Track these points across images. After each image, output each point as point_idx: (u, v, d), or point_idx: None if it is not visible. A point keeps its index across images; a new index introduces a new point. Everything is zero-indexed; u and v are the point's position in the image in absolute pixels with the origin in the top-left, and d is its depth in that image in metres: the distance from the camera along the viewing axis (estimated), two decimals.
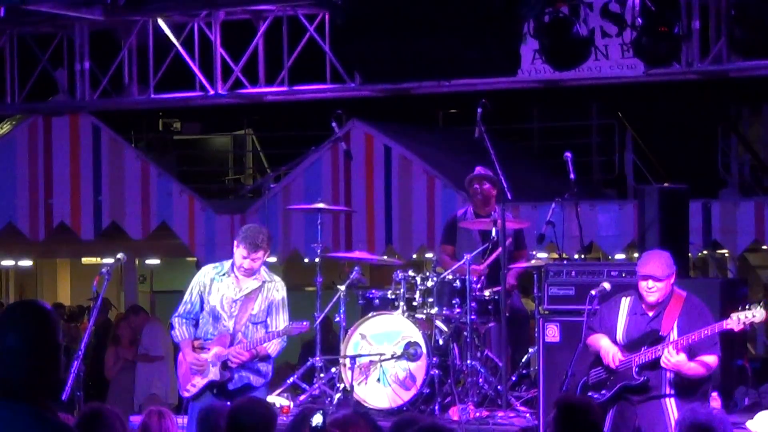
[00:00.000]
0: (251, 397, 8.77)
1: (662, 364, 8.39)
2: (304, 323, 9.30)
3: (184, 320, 9.26)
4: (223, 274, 9.22)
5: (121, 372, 14.94)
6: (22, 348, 4.11)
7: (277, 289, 9.28)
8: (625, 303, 8.73)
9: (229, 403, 8.85)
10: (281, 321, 9.27)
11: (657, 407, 8.54)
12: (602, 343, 8.71)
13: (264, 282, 9.24)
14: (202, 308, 9.26)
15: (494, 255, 11.19)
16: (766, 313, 8.29)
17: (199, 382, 9.17)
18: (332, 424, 5.94)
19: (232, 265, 9.21)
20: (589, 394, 8.63)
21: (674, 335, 8.48)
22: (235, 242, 9.16)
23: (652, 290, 8.54)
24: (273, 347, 9.25)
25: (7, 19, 13.76)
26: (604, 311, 8.85)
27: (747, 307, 8.33)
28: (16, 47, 14.44)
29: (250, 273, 9.17)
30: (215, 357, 9.13)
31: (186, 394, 9.23)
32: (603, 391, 8.64)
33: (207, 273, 9.27)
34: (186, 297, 9.30)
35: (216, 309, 9.18)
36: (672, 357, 8.35)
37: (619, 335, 8.69)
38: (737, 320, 8.30)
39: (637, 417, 8.64)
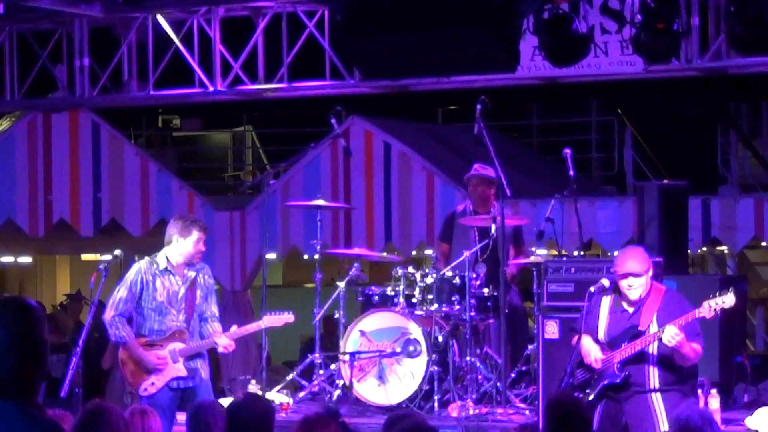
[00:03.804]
0: (250, 393, 8.83)
1: (668, 342, 8.32)
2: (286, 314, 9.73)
3: (123, 319, 9.23)
4: (163, 270, 9.28)
5: (115, 364, 14.97)
6: (7, 345, 4.07)
7: (209, 275, 9.50)
8: (606, 302, 8.75)
9: (182, 399, 9.13)
10: (213, 304, 9.48)
11: (643, 403, 8.54)
12: (583, 342, 8.73)
13: (197, 270, 9.41)
14: (137, 305, 9.27)
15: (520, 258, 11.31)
16: (735, 300, 8.36)
17: (160, 379, 9.20)
18: (302, 424, 5.95)
19: (167, 260, 9.28)
20: (575, 395, 8.61)
21: (654, 328, 8.50)
22: (182, 233, 9.26)
23: (633, 287, 8.55)
24: None
25: (7, 16, 13.78)
26: (587, 311, 8.85)
27: (718, 294, 8.39)
28: (16, 43, 14.43)
29: (201, 258, 9.35)
30: (176, 353, 9.17)
31: (145, 394, 9.18)
32: (587, 391, 8.65)
33: (147, 270, 9.29)
34: (125, 294, 9.24)
35: (164, 305, 9.24)
36: (678, 335, 8.31)
37: (601, 334, 8.71)
38: (708, 307, 8.39)
39: (623, 414, 8.65)
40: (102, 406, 5.89)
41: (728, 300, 8.34)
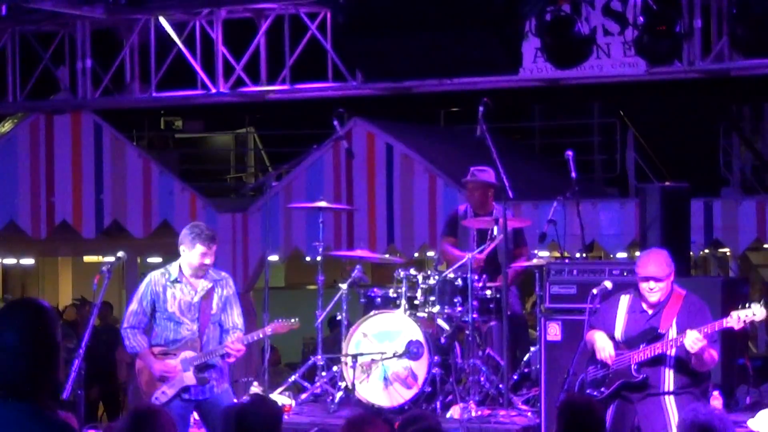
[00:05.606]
0: (257, 395, 8.79)
1: (690, 348, 8.28)
2: (292, 321, 9.51)
3: (136, 330, 9.19)
4: (174, 281, 9.22)
5: (131, 376, 14.98)
6: (21, 347, 4.10)
7: (229, 285, 9.37)
8: (624, 301, 8.71)
9: (201, 413, 9.12)
10: (235, 315, 9.34)
11: (656, 405, 8.53)
12: (596, 337, 8.69)
13: (215, 281, 9.30)
14: (151, 317, 9.24)
15: (492, 245, 11.19)
16: (766, 312, 8.28)
17: (170, 389, 9.15)
18: (348, 425, 5.94)
19: (180, 270, 9.22)
20: (588, 391, 8.61)
21: (673, 333, 8.47)
22: (188, 244, 9.15)
23: (654, 291, 8.52)
24: None
25: (9, 17, 13.79)
26: (603, 309, 8.84)
27: (747, 305, 8.32)
28: (18, 45, 14.45)
29: (206, 270, 9.21)
30: (186, 362, 9.15)
31: (157, 402, 9.08)
32: (602, 389, 8.62)
33: (157, 281, 9.23)
34: (135, 307, 9.22)
35: (176, 315, 9.17)
36: (700, 341, 8.26)
37: (618, 333, 8.67)
38: (737, 318, 8.27)
39: (636, 415, 8.63)
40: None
41: (759, 313, 8.21)
